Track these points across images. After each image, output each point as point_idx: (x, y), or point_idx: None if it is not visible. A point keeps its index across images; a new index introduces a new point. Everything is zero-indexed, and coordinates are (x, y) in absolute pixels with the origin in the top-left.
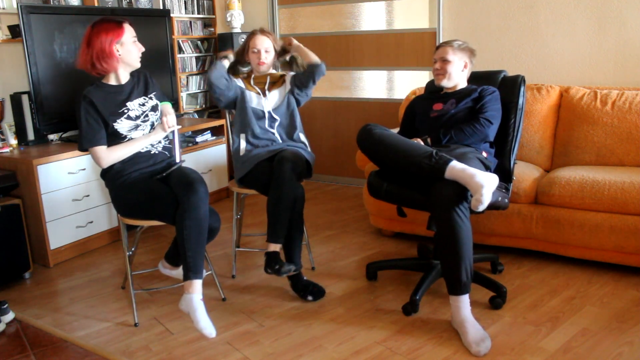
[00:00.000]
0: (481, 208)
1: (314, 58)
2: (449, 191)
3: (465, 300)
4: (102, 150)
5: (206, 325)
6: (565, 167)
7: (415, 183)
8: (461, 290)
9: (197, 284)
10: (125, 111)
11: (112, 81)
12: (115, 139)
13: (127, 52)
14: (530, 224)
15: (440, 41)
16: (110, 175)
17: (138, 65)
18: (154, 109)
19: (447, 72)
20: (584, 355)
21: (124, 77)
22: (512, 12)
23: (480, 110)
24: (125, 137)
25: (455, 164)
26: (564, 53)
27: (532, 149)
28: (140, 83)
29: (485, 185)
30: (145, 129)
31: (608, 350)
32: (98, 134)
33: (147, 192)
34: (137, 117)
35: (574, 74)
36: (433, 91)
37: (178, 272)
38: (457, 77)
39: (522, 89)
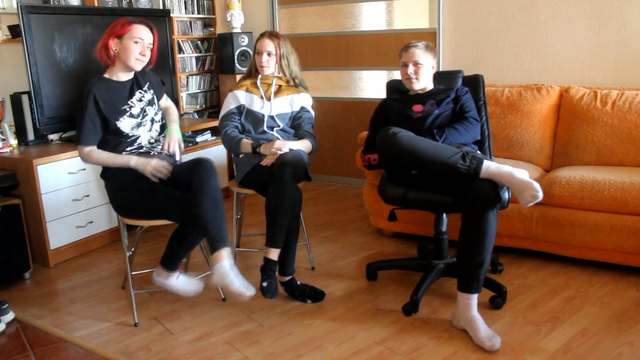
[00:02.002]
0: (535, 202)
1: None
2: (489, 189)
3: (476, 298)
4: (87, 149)
5: (242, 284)
6: (565, 167)
7: (435, 185)
8: (476, 288)
9: (225, 252)
10: (127, 109)
11: (114, 77)
12: (118, 137)
13: (123, 49)
14: (530, 224)
15: (441, 41)
16: (109, 176)
17: (133, 66)
18: (151, 103)
19: (421, 75)
20: (584, 355)
21: (124, 76)
22: (512, 12)
23: (464, 110)
24: (128, 135)
25: (488, 162)
26: (564, 53)
27: (532, 149)
28: (139, 79)
29: (530, 179)
30: (146, 125)
31: (608, 350)
32: (92, 134)
33: (144, 191)
34: (139, 115)
35: (574, 74)
36: (403, 92)
37: (173, 282)
38: (428, 79)
39: (484, 87)
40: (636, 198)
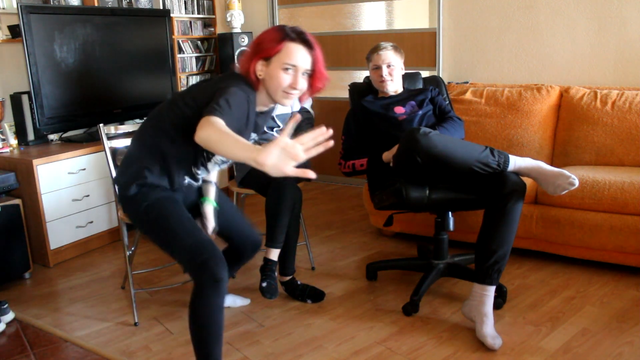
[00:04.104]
0: (572, 189)
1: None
2: (519, 181)
3: (493, 291)
4: (216, 120)
5: (232, 302)
6: (565, 167)
7: (448, 184)
8: (496, 280)
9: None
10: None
11: (257, 103)
12: (196, 152)
13: (269, 77)
14: (530, 224)
15: (441, 41)
16: (132, 199)
17: (280, 102)
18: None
19: (394, 77)
20: (584, 355)
21: (263, 107)
22: (512, 12)
23: (445, 111)
24: (210, 157)
25: (515, 157)
26: (564, 53)
27: (532, 149)
28: (266, 119)
29: (558, 167)
30: (218, 167)
31: (608, 350)
32: (229, 115)
33: (170, 213)
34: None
35: (574, 74)
36: (374, 95)
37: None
38: (400, 80)
39: (446, 88)
40: (636, 198)
